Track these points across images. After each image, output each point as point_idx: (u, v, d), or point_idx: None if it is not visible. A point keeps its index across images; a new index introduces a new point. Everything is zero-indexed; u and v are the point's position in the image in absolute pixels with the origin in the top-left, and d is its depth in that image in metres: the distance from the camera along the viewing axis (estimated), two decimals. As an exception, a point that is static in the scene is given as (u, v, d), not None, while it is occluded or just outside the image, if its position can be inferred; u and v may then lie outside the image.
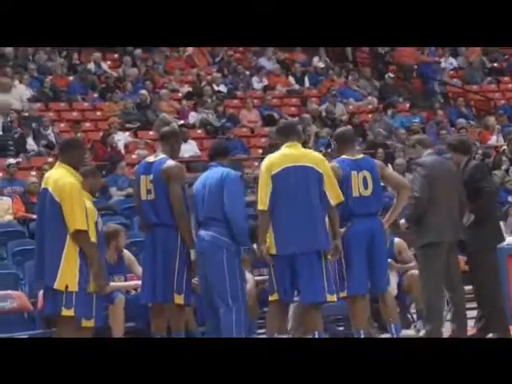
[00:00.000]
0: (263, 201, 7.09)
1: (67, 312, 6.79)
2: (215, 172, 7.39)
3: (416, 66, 20.76)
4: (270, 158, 7.25)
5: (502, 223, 10.66)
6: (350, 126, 11.72)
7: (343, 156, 7.69)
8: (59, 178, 6.94)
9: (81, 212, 6.82)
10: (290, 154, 7.21)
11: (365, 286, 7.52)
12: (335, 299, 7.19)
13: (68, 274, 6.78)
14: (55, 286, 6.76)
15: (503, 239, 8.60)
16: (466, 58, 21.14)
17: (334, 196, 7.19)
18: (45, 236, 6.90)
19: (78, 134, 15.72)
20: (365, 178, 7.57)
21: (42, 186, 7.10)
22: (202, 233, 7.28)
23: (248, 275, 8.46)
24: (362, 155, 7.90)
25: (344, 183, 7.48)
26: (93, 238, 6.99)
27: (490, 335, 8.12)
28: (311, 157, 7.26)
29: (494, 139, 17.78)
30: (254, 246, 7.52)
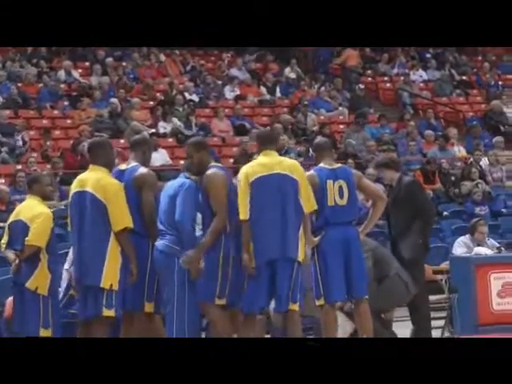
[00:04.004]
0: (243, 211, 7.09)
1: (108, 312, 6.97)
2: (175, 182, 7.42)
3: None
4: (246, 167, 7.27)
5: (468, 236, 10.76)
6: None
7: (320, 165, 7.76)
8: (100, 178, 7.11)
9: (127, 210, 7.06)
10: (266, 162, 7.24)
11: (342, 293, 7.56)
12: (297, 308, 7.14)
13: (112, 273, 6.98)
14: (101, 285, 6.93)
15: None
16: (344, 62, 21.39)
17: (307, 204, 7.22)
18: (86, 236, 7.05)
19: (48, 143, 15.66)
20: (341, 188, 7.63)
21: (77, 189, 7.21)
22: (158, 242, 7.26)
23: None
24: (339, 165, 7.99)
25: (320, 192, 7.54)
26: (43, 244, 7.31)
27: None
28: (287, 164, 7.29)
29: (455, 150, 17.91)
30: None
